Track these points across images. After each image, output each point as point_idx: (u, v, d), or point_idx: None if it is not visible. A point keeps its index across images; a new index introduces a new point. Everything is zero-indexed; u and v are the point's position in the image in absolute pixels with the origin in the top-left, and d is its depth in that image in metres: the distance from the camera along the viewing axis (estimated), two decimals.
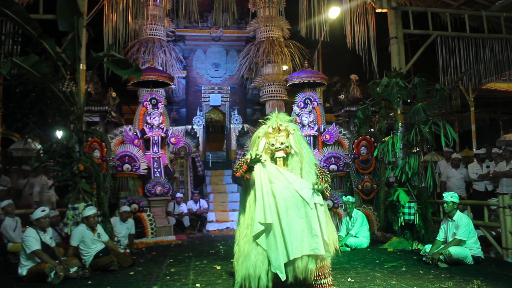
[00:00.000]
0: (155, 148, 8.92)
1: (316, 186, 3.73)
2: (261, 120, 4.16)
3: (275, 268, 3.58)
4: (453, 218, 5.49)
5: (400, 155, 7.38)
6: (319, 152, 8.76)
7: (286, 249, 3.61)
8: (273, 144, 3.92)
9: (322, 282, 3.75)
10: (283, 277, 3.56)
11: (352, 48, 10.32)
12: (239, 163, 3.86)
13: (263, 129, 4.02)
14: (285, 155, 3.92)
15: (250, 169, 3.81)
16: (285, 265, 3.62)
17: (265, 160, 3.86)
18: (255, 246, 3.69)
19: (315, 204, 3.73)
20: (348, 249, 6.61)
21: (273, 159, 3.96)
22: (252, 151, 3.85)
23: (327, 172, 3.99)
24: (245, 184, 4.09)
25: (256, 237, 3.69)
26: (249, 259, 3.68)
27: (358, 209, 7.23)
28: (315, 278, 3.72)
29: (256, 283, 3.61)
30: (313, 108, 9.06)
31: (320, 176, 3.91)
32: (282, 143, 3.90)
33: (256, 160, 3.71)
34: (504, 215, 5.82)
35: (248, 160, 3.74)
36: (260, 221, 3.65)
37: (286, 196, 3.69)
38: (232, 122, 14.96)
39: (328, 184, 3.92)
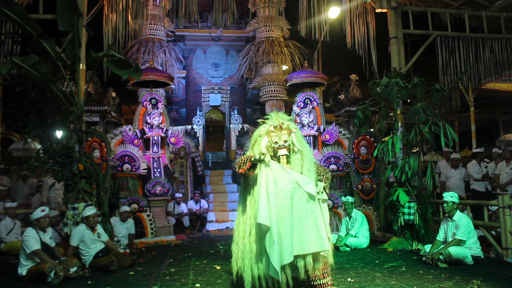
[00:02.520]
0: (155, 148, 8.92)
1: (319, 184, 3.79)
2: (260, 120, 4.16)
3: (271, 272, 3.56)
4: (453, 218, 5.49)
5: (400, 155, 7.38)
6: (319, 152, 8.76)
7: (291, 247, 3.59)
8: (276, 142, 3.91)
9: (321, 282, 3.75)
10: (279, 279, 3.54)
11: (352, 48, 10.31)
12: (242, 160, 3.87)
13: (265, 127, 4.01)
14: (288, 153, 3.94)
15: (253, 166, 3.84)
16: (291, 262, 3.62)
17: (268, 161, 3.86)
18: (264, 245, 3.68)
19: (319, 200, 3.76)
20: (348, 249, 6.61)
21: (276, 157, 3.96)
22: (255, 150, 3.85)
23: (327, 170, 4.02)
24: (245, 182, 4.08)
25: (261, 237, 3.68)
26: (260, 259, 3.66)
27: (357, 209, 7.24)
28: (314, 278, 3.72)
29: (276, 282, 3.60)
30: (313, 108, 9.06)
31: (321, 174, 3.94)
32: (285, 141, 3.91)
33: (260, 160, 3.74)
34: (504, 215, 5.82)
35: (253, 158, 3.76)
36: (261, 222, 3.63)
37: (292, 193, 3.70)
38: (232, 122, 14.97)
39: (329, 181, 3.98)
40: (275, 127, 3.95)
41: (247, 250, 3.79)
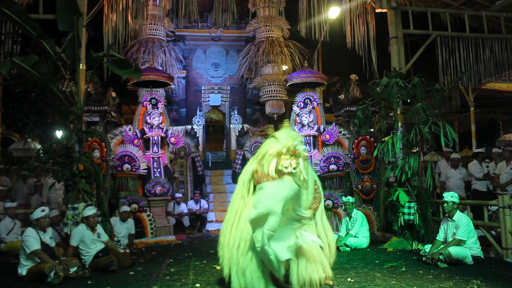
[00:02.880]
0: (155, 148, 8.92)
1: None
2: (271, 135, 4.04)
3: (278, 275, 3.58)
4: (453, 218, 5.49)
5: (400, 155, 7.38)
6: (319, 152, 8.76)
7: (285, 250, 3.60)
8: (286, 167, 3.73)
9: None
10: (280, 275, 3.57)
11: (352, 48, 10.31)
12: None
13: (277, 148, 3.79)
14: None
15: None
16: (289, 275, 3.63)
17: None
18: (249, 261, 3.67)
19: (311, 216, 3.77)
20: (348, 249, 6.62)
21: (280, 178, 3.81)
22: (263, 164, 3.80)
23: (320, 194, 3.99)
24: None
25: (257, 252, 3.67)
26: (244, 276, 3.67)
27: (358, 209, 7.24)
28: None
29: None
30: (313, 108, 9.06)
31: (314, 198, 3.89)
32: (294, 168, 3.75)
33: None
34: (504, 215, 5.82)
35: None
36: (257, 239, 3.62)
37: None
38: (232, 122, 14.96)
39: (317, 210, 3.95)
40: (287, 150, 3.77)
41: (234, 261, 3.80)
